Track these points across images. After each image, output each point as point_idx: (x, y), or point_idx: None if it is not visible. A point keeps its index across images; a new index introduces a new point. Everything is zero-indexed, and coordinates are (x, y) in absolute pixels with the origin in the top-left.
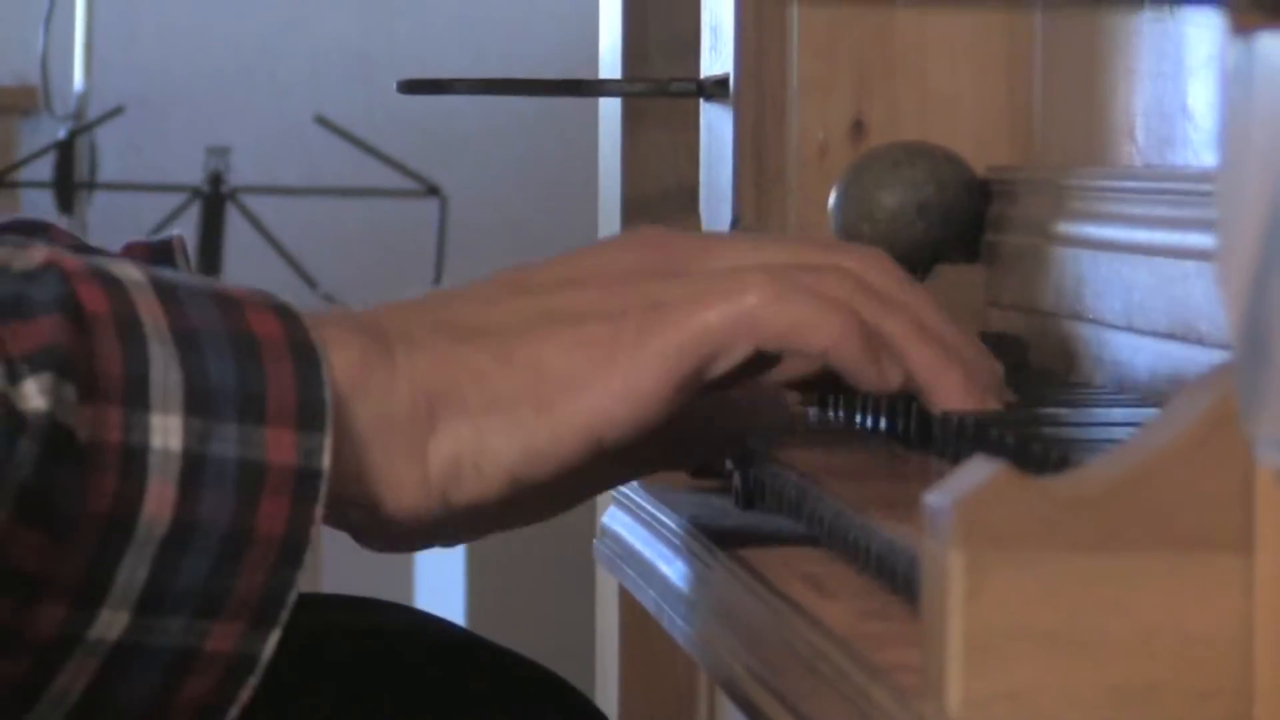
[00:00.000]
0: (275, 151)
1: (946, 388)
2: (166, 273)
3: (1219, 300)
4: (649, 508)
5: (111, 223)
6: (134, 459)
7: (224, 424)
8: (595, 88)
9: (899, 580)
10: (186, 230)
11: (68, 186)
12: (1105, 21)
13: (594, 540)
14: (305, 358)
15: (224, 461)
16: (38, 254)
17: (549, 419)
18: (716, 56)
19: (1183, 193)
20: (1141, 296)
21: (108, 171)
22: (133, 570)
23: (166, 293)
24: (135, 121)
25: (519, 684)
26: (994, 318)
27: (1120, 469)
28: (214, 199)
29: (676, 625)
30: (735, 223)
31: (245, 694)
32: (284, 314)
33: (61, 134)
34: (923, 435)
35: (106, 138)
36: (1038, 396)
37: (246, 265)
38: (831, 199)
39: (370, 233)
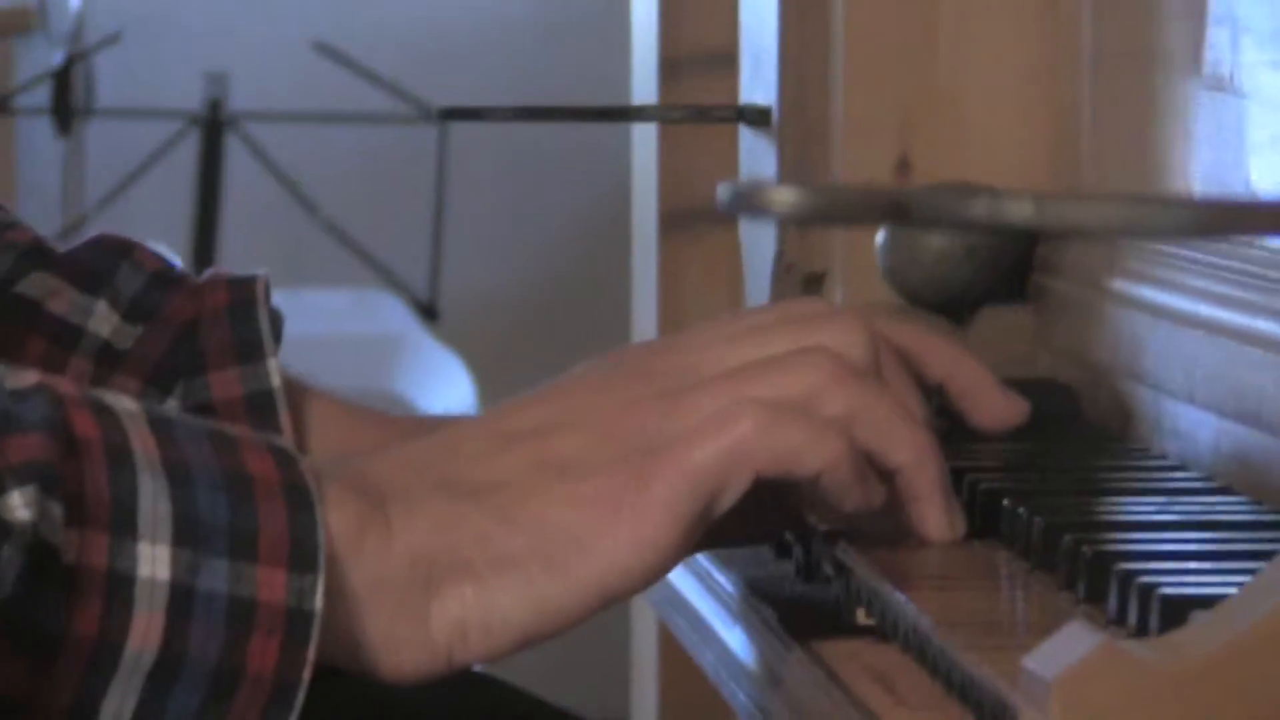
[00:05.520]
0: (274, 77)
1: (927, 498)
2: (162, 409)
3: None
4: (700, 559)
5: (110, 148)
6: (120, 586)
7: (214, 558)
8: (634, 114)
9: (985, 712)
10: (186, 158)
11: (65, 112)
12: (1158, 79)
13: None
14: (300, 500)
15: (213, 596)
16: (30, 375)
17: (561, 577)
18: (758, 84)
19: (1249, 274)
20: (1205, 373)
21: (105, 96)
22: (120, 702)
23: (160, 425)
24: (132, 46)
25: None
26: (1043, 362)
27: (1222, 639)
28: (213, 125)
29: (739, 699)
30: (779, 257)
31: None
32: (281, 456)
33: (58, 58)
34: (987, 524)
35: (104, 62)
36: (1101, 475)
37: (247, 192)
38: (878, 239)
39: (371, 158)
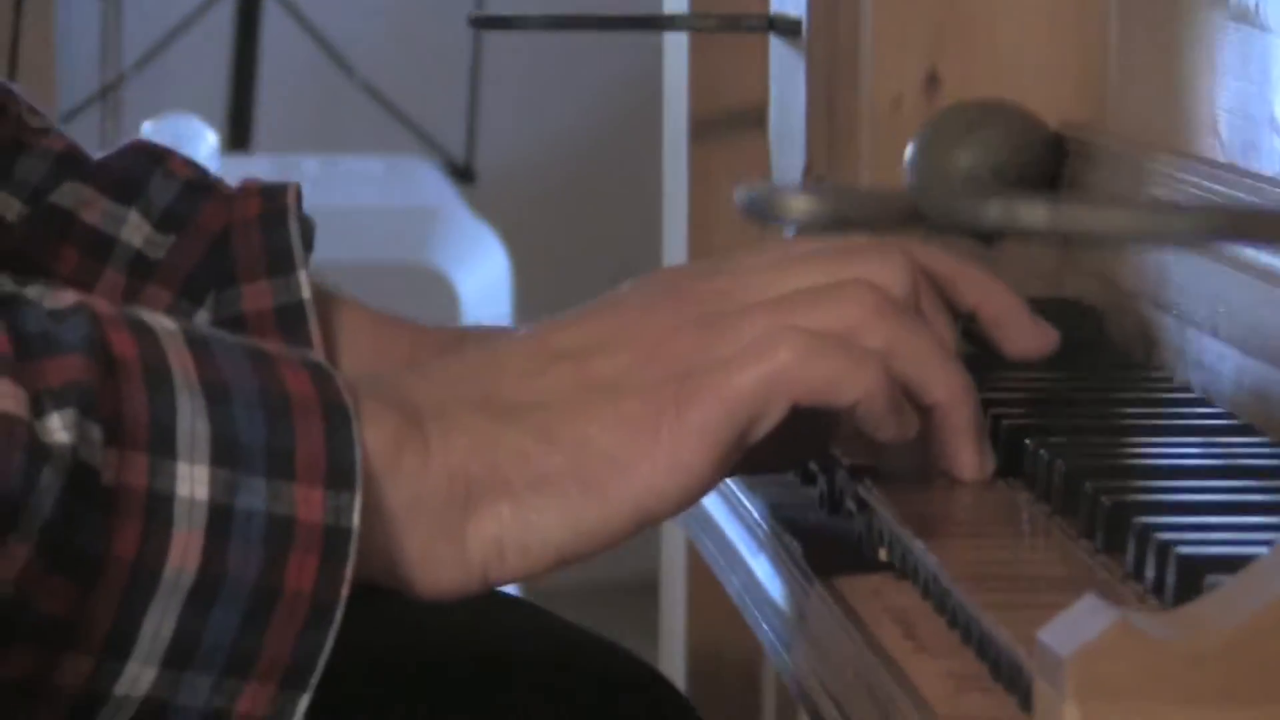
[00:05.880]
0: None
1: (961, 436)
2: (200, 325)
3: None
4: (729, 482)
5: (147, 10)
6: (159, 506)
7: (252, 477)
8: (665, 23)
9: (1001, 671)
10: (222, 18)
11: None
12: (1185, 6)
13: None
14: (337, 417)
15: (251, 514)
16: (68, 296)
17: (598, 498)
18: None
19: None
20: (1228, 309)
21: None
22: (160, 621)
23: (198, 344)
24: None
25: (601, 668)
26: (1069, 282)
27: (1239, 618)
28: None
29: (762, 629)
30: (807, 170)
31: None
32: (318, 373)
33: None
34: (1010, 461)
35: None
36: (1124, 410)
37: (283, 56)
38: (907, 156)
39: (408, 20)
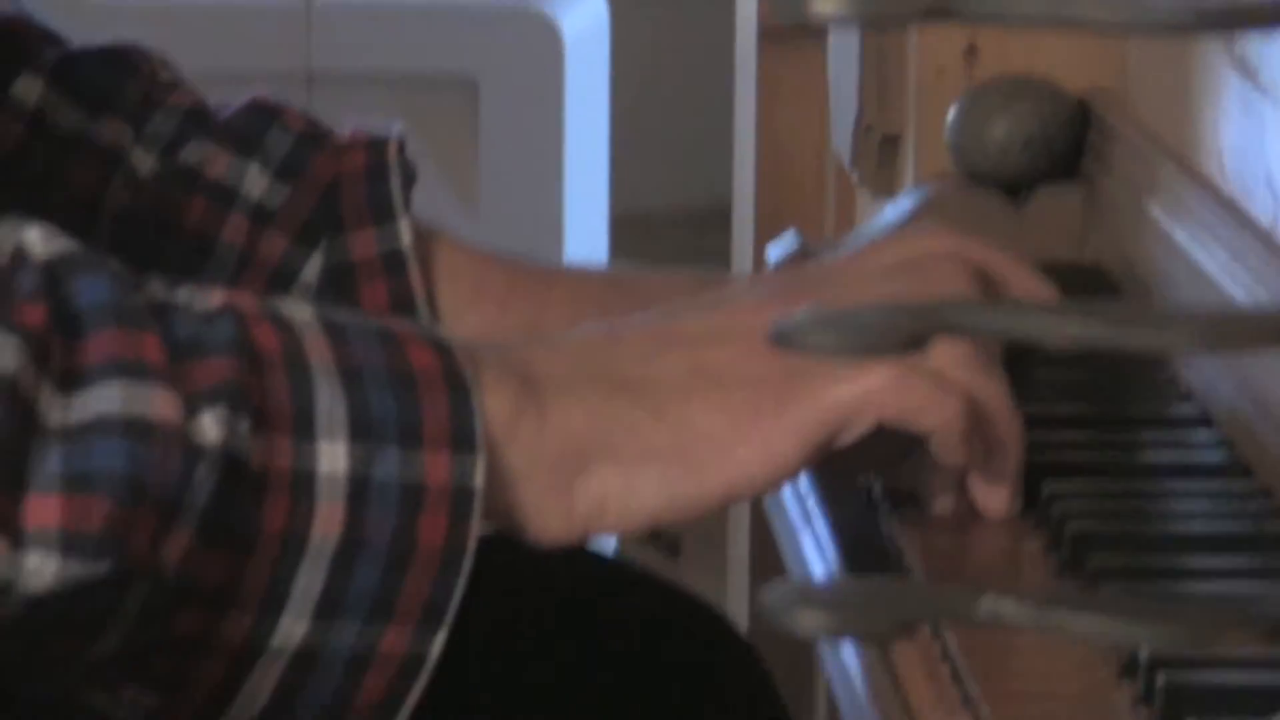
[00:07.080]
0: None
1: (1003, 478)
2: (335, 313)
3: None
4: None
5: None
6: (304, 482)
7: (385, 449)
8: None
9: None
10: None
11: None
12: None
13: None
14: (458, 388)
15: (386, 483)
16: (216, 297)
17: (695, 474)
18: None
19: (1263, 269)
20: None
21: None
22: (309, 580)
23: (333, 330)
24: None
25: (671, 611)
26: (1092, 243)
27: None
28: None
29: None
30: (859, 117)
31: (416, 691)
32: (441, 348)
33: None
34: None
35: None
36: (1135, 440)
37: None
38: (949, 120)
39: None
